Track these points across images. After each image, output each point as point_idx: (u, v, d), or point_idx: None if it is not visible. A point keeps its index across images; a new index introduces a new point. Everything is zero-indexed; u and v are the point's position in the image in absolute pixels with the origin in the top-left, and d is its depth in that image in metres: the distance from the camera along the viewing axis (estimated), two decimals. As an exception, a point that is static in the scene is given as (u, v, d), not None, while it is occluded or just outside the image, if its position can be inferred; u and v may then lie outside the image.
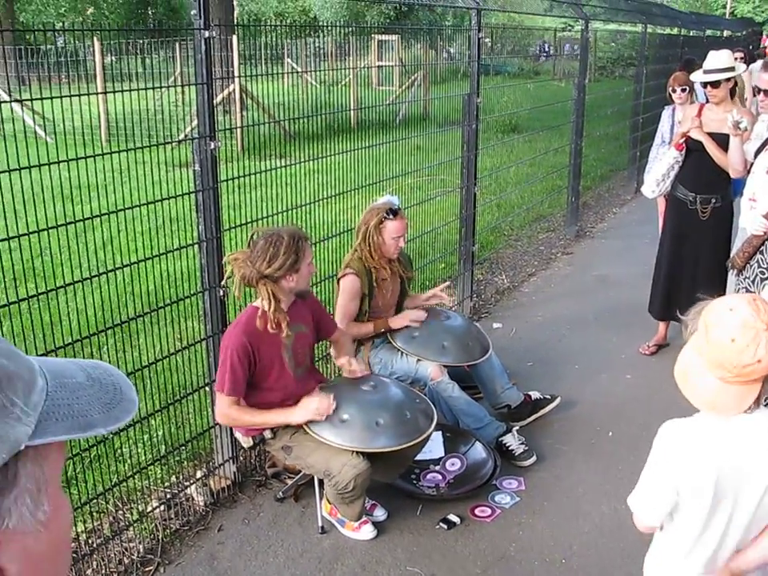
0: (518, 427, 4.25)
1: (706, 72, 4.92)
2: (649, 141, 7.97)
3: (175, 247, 3.77)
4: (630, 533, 3.51)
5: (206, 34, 3.28)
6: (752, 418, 1.95)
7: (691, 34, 14.87)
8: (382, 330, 4.22)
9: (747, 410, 1.94)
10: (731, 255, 4.55)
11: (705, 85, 4.98)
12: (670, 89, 6.61)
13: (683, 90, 6.49)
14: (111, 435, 3.45)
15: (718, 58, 4.90)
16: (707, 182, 5.06)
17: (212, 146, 3.38)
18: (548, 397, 4.55)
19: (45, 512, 0.57)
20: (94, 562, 3.26)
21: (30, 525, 0.55)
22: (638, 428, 4.35)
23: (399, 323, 4.22)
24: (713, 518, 1.99)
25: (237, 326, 3.38)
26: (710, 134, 4.91)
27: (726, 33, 19.95)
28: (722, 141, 4.80)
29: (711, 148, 4.87)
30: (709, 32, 16.79)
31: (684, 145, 5.02)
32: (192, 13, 3.26)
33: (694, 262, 5.20)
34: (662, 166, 5.21)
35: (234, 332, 3.36)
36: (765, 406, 2.00)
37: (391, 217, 4.08)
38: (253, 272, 3.28)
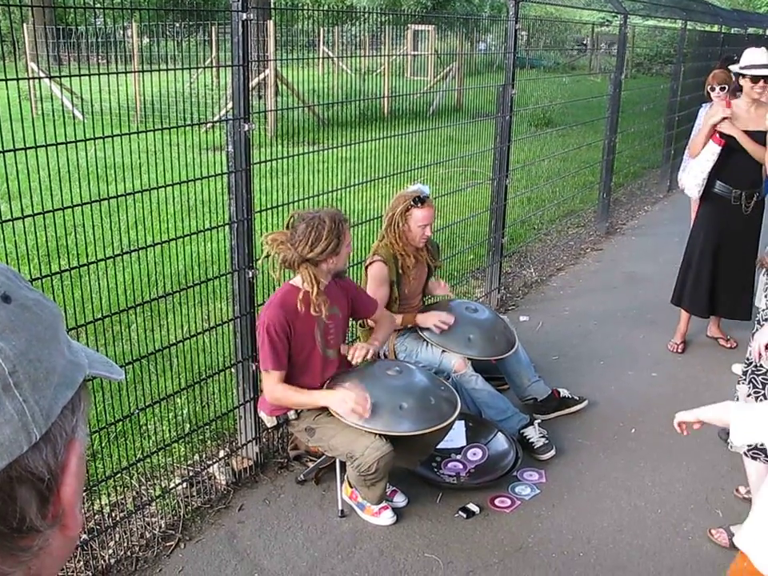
0: (540, 420, 4.25)
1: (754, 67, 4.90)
2: (684, 139, 7.87)
3: (205, 228, 3.80)
4: (649, 530, 3.52)
5: (244, 16, 3.29)
6: None
7: (732, 31, 14.65)
8: (409, 325, 4.23)
9: None
10: (759, 255, 4.52)
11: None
12: (709, 87, 6.51)
13: (722, 89, 6.39)
14: (137, 411, 3.48)
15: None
16: (752, 177, 5.06)
17: (246, 128, 3.40)
18: (576, 398, 4.55)
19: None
20: (117, 535, 3.31)
21: (84, 437, 0.63)
22: (662, 426, 4.32)
23: (426, 322, 4.20)
24: None
25: (273, 302, 3.42)
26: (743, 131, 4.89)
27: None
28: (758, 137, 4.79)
29: (745, 142, 4.84)
30: (751, 30, 16.53)
31: (723, 139, 4.95)
32: (231, -6, 3.27)
33: (743, 256, 5.21)
34: (703, 164, 5.10)
35: (270, 308, 3.39)
36: None
37: (418, 205, 4.07)
38: (295, 255, 3.32)
